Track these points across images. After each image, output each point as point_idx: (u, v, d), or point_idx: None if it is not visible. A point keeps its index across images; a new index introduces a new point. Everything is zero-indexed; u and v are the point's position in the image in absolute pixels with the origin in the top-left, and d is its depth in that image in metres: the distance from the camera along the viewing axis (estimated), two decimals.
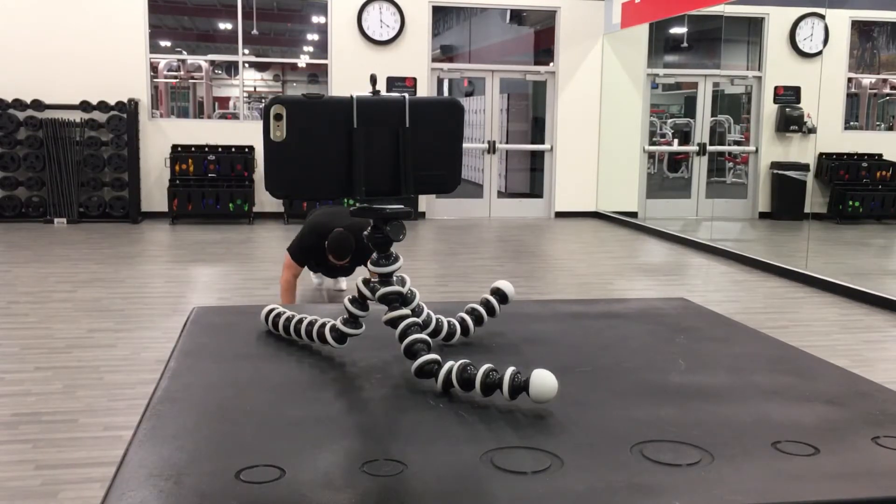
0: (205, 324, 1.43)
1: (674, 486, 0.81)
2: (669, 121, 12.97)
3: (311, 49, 13.62)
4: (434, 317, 1.25)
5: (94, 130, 9.78)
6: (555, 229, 10.22)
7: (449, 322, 1.29)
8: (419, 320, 1.17)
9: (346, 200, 8.68)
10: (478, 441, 0.92)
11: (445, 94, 12.16)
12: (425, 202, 10.84)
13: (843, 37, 10.76)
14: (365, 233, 1.15)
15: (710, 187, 10.91)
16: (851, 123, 11.30)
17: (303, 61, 15.69)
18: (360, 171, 1.07)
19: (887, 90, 11.69)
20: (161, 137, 10.10)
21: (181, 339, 1.33)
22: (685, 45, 12.37)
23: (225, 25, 11.49)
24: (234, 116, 13.74)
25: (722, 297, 6.44)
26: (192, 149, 9.97)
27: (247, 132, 10.27)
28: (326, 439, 0.92)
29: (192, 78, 13.46)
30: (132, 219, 9.78)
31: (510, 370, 1.02)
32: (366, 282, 1.18)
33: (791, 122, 10.69)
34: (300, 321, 1.28)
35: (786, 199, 10.68)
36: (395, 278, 1.17)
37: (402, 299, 1.17)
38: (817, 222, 10.26)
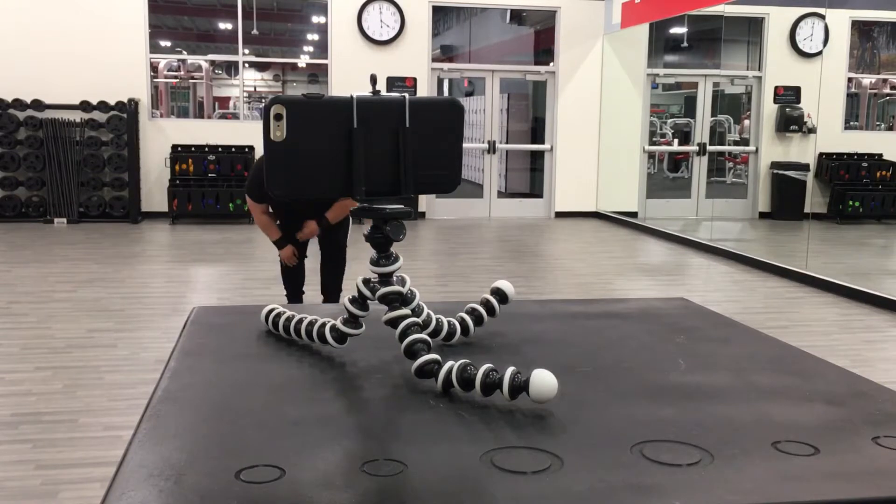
0: (205, 324, 1.43)
1: (674, 486, 0.81)
2: (669, 121, 12.98)
3: (311, 49, 13.63)
4: (434, 317, 1.25)
5: (94, 130, 9.78)
6: (555, 229, 10.22)
7: (449, 322, 1.29)
8: (419, 320, 1.17)
9: None
10: (478, 441, 0.92)
11: (445, 94, 12.16)
12: (425, 202, 10.84)
13: (843, 37, 10.76)
14: (365, 233, 1.15)
15: (710, 187, 10.91)
16: (851, 123, 11.30)
17: (303, 61, 15.69)
18: (360, 171, 1.07)
19: (887, 90, 11.69)
20: (161, 137, 10.10)
21: (181, 339, 1.33)
22: (685, 45, 12.37)
23: (225, 25, 11.49)
24: (234, 116, 13.74)
25: (722, 297, 6.44)
26: (192, 149, 9.97)
27: (247, 132, 10.27)
28: (326, 439, 0.92)
29: (192, 78, 13.46)
30: (132, 219, 9.78)
31: (510, 370, 1.02)
32: (366, 282, 1.18)
33: (791, 122, 10.69)
34: (300, 321, 1.28)
35: (786, 199, 10.68)
36: (395, 278, 1.17)
37: (402, 299, 1.17)
38: (817, 222, 10.26)
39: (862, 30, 11.31)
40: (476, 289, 6.41)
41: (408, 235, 1.15)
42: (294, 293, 4.98)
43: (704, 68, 11.70)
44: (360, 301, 1.19)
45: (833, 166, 10.66)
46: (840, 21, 10.59)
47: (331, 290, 4.88)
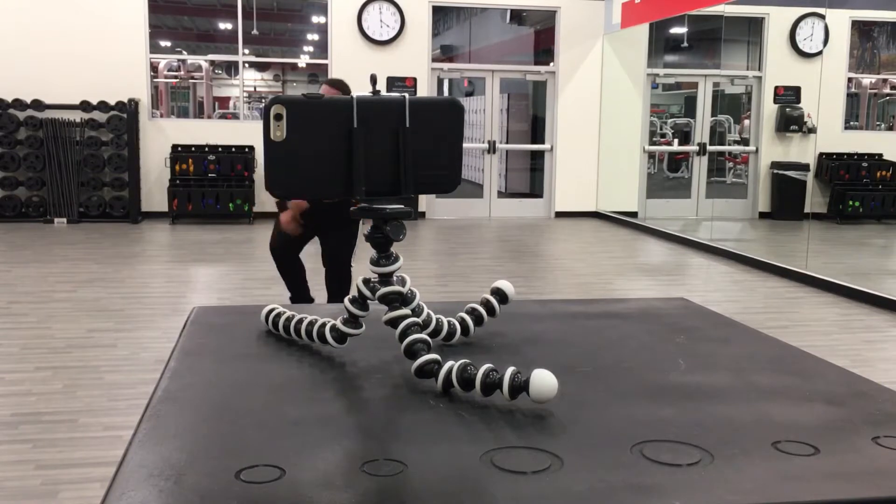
0: (205, 324, 1.43)
1: (674, 486, 0.81)
2: (669, 121, 12.98)
3: (311, 49, 13.62)
4: (434, 317, 1.25)
5: (95, 130, 9.78)
6: (555, 229, 10.22)
7: (449, 322, 1.29)
8: (419, 320, 1.17)
9: None
10: (478, 441, 0.92)
11: (445, 94, 12.15)
12: (425, 202, 10.84)
13: (843, 37, 10.76)
14: (365, 233, 1.15)
15: (710, 187, 10.91)
16: (851, 123, 11.30)
17: (303, 61, 15.69)
18: (360, 171, 1.07)
19: (887, 90, 11.69)
20: (161, 137, 10.10)
21: (181, 339, 1.33)
22: (685, 45, 12.37)
23: (225, 25, 11.49)
24: (234, 116, 13.74)
25: (722, 297, 6.44)
26: (192, 149, 9.97)
27: (247, 132, 10.27)
28: (326, 439, 0.92)
29: (192, 78, 13.46)
30: (132, 219, 9.78)
31: (510, 370, 1.02)
32: (366, 282, 1.18)
33: (791, 121, 10.69)
34: (300, 321, 1.28)
35: (786, 199, 10.68)
36: (395, 278, 1.17)
37: (403, 299, 1.17)
38: (817, 222, 10.26)
39: (862, 30, 11.31)
40: (476, 289, 6.40)
41: (408, 235, 1.15)
42: (294, 288, 4.93)
43: (704, 68, 11.70)
44: (360, 301, 1.19)
45: (833, 166, 10.66)
46: (840, 21, 10.59)
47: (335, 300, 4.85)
